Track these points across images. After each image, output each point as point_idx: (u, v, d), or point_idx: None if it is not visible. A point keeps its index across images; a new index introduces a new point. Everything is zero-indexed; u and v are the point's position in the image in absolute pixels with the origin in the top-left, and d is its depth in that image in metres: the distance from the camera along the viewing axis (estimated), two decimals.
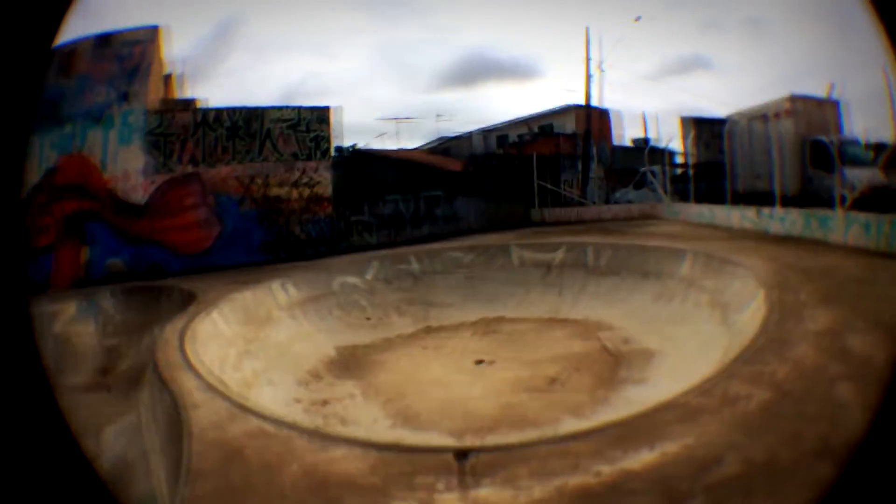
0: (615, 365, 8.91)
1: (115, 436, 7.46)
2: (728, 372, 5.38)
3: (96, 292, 13.26)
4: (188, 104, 18.08)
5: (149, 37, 16.97)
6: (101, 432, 7.65)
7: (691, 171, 23.53)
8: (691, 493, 3.39)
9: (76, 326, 12.16)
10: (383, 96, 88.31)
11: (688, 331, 9.36)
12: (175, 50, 18.61)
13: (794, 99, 20.10)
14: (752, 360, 5.53)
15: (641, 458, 3.79)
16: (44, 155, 16.32)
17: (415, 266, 14.08)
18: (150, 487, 5.56)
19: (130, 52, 16.68)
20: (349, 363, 9.97)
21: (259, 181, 16.84)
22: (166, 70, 18.76)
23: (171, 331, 8.32)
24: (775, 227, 14.22)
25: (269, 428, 4.81)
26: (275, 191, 16.96)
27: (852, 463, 1.72)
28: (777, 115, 19.82)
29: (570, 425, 6.48)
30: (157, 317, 10.76)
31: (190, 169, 16.39)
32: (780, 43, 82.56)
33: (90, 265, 16.03)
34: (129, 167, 16.15)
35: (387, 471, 3.98)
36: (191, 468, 4.24)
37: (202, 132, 16.60)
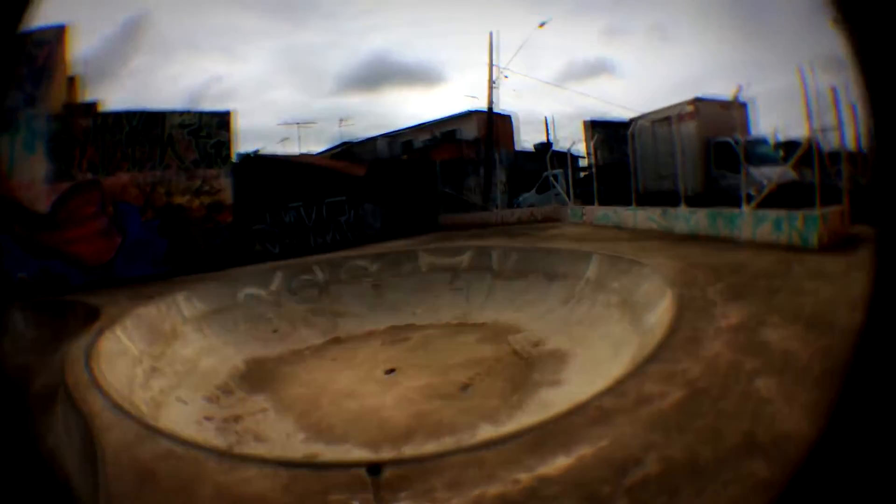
0: (527, 368, 9.05)
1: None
2: (640, 371, 5.49)
3: (8, 309, 12.53)
4: (90, 108, 17.23)
5: (55, 36, 15.99)
6: None
7: (594, 174, 23.95)
8: (613, 497, 3.45)
9: None
10: (287, 100, 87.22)
11: (598, 332, 9.53)
12: (79, 49, 17.73)
13: (697, 101, 20.86)
14: (663, 359, 5.65)
15: (557, 464, 3.85)
16: None
17: (320, 276, 13.99)
18: None
19: (36, 53, 15.70)
20: (259, 377, 9.87)
21: (161, 189, 16.27)
22: (71, 71, 17.98)
23: (76, 349, 8.09)
24: (680, 226, 14.56)
25: (179, 449, 4.76)
26: (177, 199, 16.43)
27: (808, 463, 1.80)
28: (681, 118, 20.24)
29: (486, 431, 6.61)
30: (65, 333, 10.36)
31: (90, 176, 15.65)
32: (686, 47, 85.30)
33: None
34: (33, 175, 15.27)
35: (299, 489, 4.00)
36: (108, 491, 4.19)
37: (102, 137, 15.86)
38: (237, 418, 8.03)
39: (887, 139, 1.46)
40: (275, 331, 12.00)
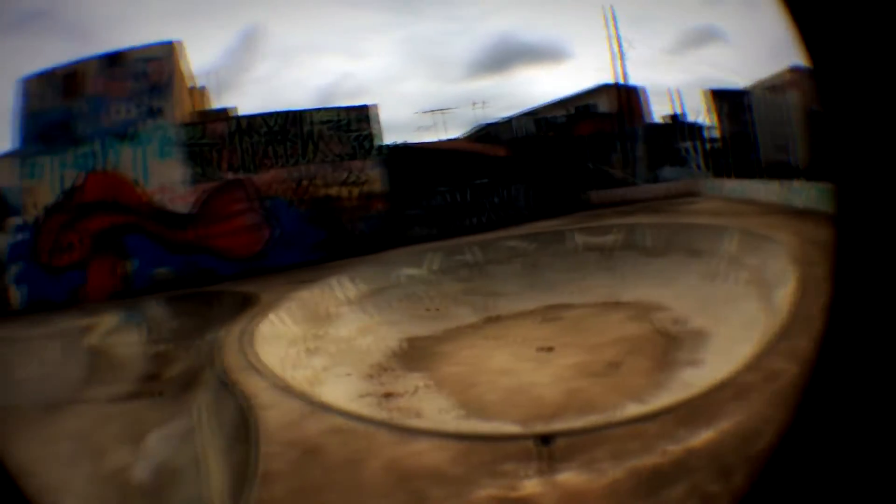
0: (670, 347, 8.78)
1: (160, 442, 7.49)
2: (770, 350, 5.33)
3: (141, 302, 13.41)
4: (222, 114, 18.22)
5: (166, 52, 17.13)
6: (142, 440, 7.72)
7: (720, 146, 22.97)
8: (735, 466, 3.34)
9: (118, 337, 12.31)
10: (417, 91, 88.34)
11: (735, 310, 9.11)
12: (199, 63, 18.81)
13: (794, 70, 19.36)
14: (786, 337, 5.45)
15: (703, 437, 3.81)
16: (60, 175, 16.62)
17: (473, 256, 13.91)
18: (198, 493, 5.57)
19: (147, 69, 16.83)
20: (415, 355, 9.89)
21: (307, 183, 16.92)
22: (192, 83, 18.89)
23: (232, 333, 8.32)
24: (797, 200, 13.66)
25: (350, 424, 4.71)
26: (324, 191, 17.02)
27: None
28: (784, 87, 19.30)
29: (632, 410, 6.38)
30: (210, 321, 10.78)
31: (232, 176, 16.52)
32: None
33: (133, 277, 16.28)
34: (169, 179, 16.37)
35: (469, 460, 3.90)
36: (262, 470, 4.17)
37: (240, 139, 16.71)
38: (393, 395, 8.03)
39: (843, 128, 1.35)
40: (432, 309, 12.09)
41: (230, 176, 16.45)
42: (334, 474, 3.97)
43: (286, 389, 5.74)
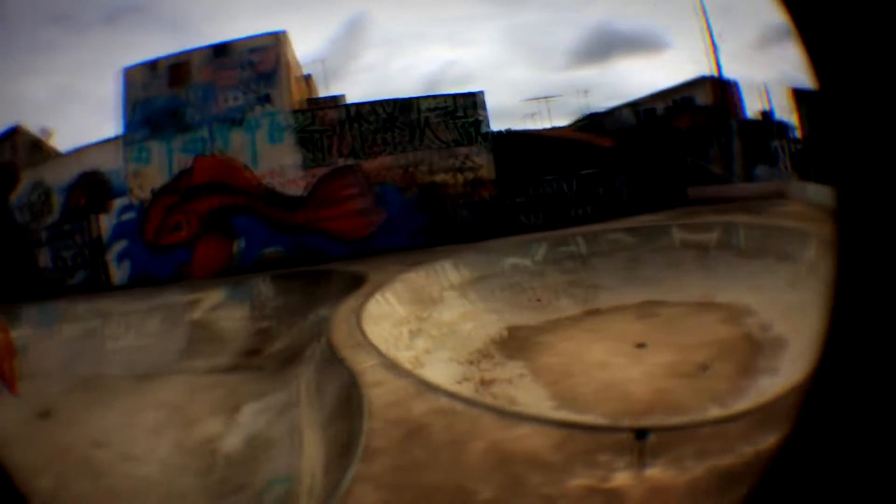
0: (755, 353, 8.61)
1: (255, 413, 7.82)
2: None
3: (248, 279, 13.89)
4: (333, 101, 18.76)
5: (274, 42, 17.72)
6: (237, 411, 8.08)
7: (805, 147, 22.15)
8: None
9: (222, 312, 12.84)
10: (520, 79, 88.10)
11: (808, 318, 8.81)
12: (306, 53, 19.34)
13: None
14: None
15: (770, 441, 3.56)
16: (168, 159, 17.53)
17: (579, 248, 13.80)
18: (290, 464, 5.76)
19: (255, 59, 17.55)
20: (517, 344, 9.92)
21: (420, 169, 17.23)
22: (301, 72, 19.34)
23: (341, 311, 8.53)
24: None
25: (456, 406, 4.77)
26: (432, 177, 17.26)
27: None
28: None
29: (714, 414, 6.25)
30: (317, 299, 11.16)
31: (346, 162, 16.99)
32: None
33: (242, 256, 17.06)
34: (282, 164, 17.03)
35: (568, 448, 3.92)
36: (365, 446, 4.27)
37: (350, 126, 17.12)
38: (491, 382, 8.09)
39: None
40: (534, 300, 12.09)
41: (342, 162, 16.96)
42: (437, 454, 4.04)
43: (394, 368, 5.83)
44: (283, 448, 6.35)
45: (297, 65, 18.72)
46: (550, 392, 7.73)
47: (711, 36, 25.53)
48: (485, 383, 8.01)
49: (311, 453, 5.57)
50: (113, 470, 7.04)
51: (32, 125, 23.92)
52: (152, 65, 18.22)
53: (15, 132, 22.88)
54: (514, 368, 8.75)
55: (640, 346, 9.26)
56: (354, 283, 10.63)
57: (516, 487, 3.63)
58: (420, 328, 9.11)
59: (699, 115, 26.62)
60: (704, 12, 25.30)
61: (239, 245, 17.10)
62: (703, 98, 28.49)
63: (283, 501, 5.27)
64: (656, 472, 3.56)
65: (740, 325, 9.81)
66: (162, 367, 11.56)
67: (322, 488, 4.69)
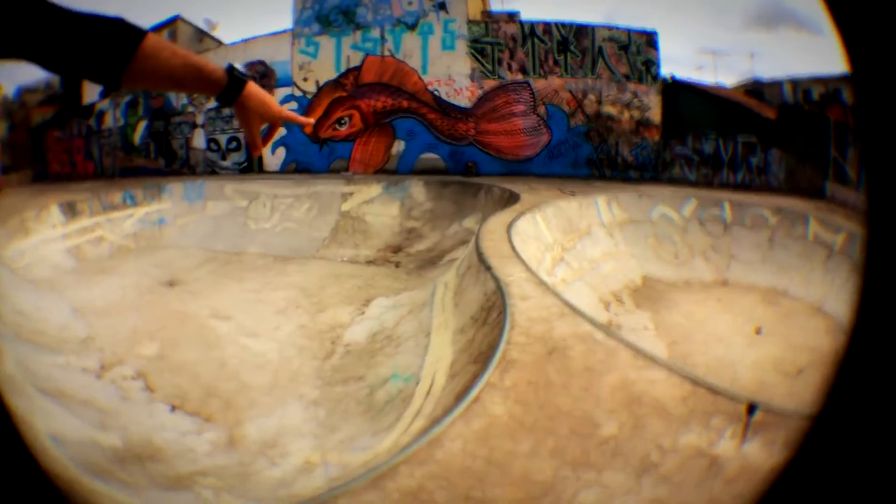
0: None
1: (385, 308, 7.93)
2: None
3: (403, 180, 14.12)
4: (508, 17, 18.31)
5: None
6: (367, 304, 8.24)
7: None
8: None
9: (372, 207, 13.14)
10: (693, 28, 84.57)
11: None
12: None
13: None
14: None
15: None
16: (336, 55, 17.88)
17: (724, 214, 13.39)
18: (411, 363, 5.83)
19: None
20: (647, 294, 9.88)
21: (588, 98, 16.92)
22: None
23: (494, 223, 8.57)
24: None
25: (598, 335, 4.67)
26: (605, 109, 16.91)
27: None
28: None
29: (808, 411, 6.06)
30: (468, 209, 11.39)
31: (520, 77, 16.82)
32: None
33: (400, 158, 17.42)
34: (451, 72, 17.09)
35: (693, 404, 3.82)
36: (504, 356, 4.25)
37: (528, 43, 16.94)
38: (619, 328, 8.04)
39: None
40: (674, 255, 11.85)
41: (519, 77, 16.83)
42: (571, 379, 4.02)
43: (541, 286, 5.79)
44: (406, 347, 6.44)
45: None
46: (669, 353, 7.66)
47: None
48: (613, 327, 7.90)
49: (437, 356, 5.65)
50: (228, 342, 7.34)
51: (196, 17, 24.83)
52: None
53: (176, 22, 23.79)
54: (640, 319, 8.68)
55: (759, 331, 8.98)
56: (508, 200, 10.68)
57: (637, 430, 3.58)
58: (563, 257, 9.07)
59: (846, 113, 25.09)
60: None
61: (398, 147, 17.49)
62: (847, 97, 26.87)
63: (395, 398, 5.32)
64: (751, 448, 3.51)
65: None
66: (302, 251, 11.99)
67: (442, 391, 4.75)
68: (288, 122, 2.08)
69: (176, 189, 16.17)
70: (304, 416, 5.53)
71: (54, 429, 4.56)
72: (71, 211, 14.02)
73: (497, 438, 3.44)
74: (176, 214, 15.29)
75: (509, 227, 8.28)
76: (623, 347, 4.48)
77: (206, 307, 8.85)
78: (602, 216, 11.36)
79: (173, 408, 5.83)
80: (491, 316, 5.26)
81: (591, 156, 16.69)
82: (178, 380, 6.33)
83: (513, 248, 7.27)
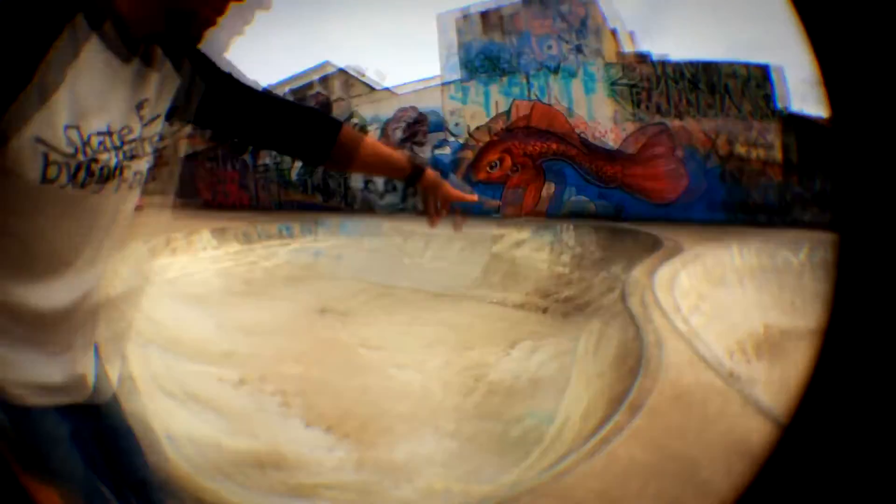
0: None
1: (529, 351, 7.99)
2: None
3: (553, 224, 14.19)
4: (644, 57, 18.46)
5: None
6: (513, 346, 8.28)
7: None
8: None
9: (523, 251, 13.27)
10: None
11: None
12: (615, 7, 19.02)
13: None
14: None
15: None
16: (486, 101, 18.51)
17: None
18: (548, 405, 5.90)
19: (567, 10, 17.75)
20: (767, 345, 9.17)
21: (722, 137, 16.40)
22: (610, 25, 19.26)
23: (640, 271, 8.63)
24: None
25: (718, 383, 4.73)
26: (736, 149, 16.34)
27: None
28: None
29: None
30: (615, 255, 11.27)
31: (657, 119, 16.67)
32: None
33: (551, 200, 17.60)
34: (595, 115, 17.12)
35: None
36: (633, 401, 4.36)
37: (661, 84, 16.73)
38: (738, 377, 7.70)
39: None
40: (791, 302, 11.05)
41: (657, 119, 16.67)
42: (688, 424, 4.10)
43: (677, 333, 5.86)
44: (546, 389, 6.51)
45: (604, 17, 18.61)
46: (780, 406, 7.18)
47: None
48: (732, 376, 7.68)
49: (573, 399, 5.73)
50: (373, 371, 7.58)
51: (347, 64, 26.17)
52: (464, 11, 19.44)
53: (326, 67, 25.19)
54: (756, 370, 8.24)
55: None
56: (652, 246, 10.61)
57: (729, 476, 3.44)
58: (697, 305, 8.91)
59: None
60: None
61: (548, 190, 17.68)
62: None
63: (527, 436, 5.39)
64: None
65: None
66: (452, 289, 12.22)
67: (573, 432, 4.84)
68: (453, 188, 2.47)
69: (333, 224, 16.90)
70: (437, 446, 5.63)
71: (174, 429, 4.86)
72: (225, 236, 14.87)
73: (612, 477, 3.54)
74: (332, 247, 15.91)
75: (652, 275, 8.29)
76: (738, 397, 4.49)
77: (355, 336, 9.15)
78: (735, 262, 10.91)
79: (308, 424, 6.06)
80: (628, 362, 5.34)
81: (726, 199, 16.12)
82: (318, 400, 6.58)
83: (654, 296, 7.29)
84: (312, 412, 6.31)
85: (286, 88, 25.69)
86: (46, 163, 1.21)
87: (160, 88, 1.52)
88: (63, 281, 1.40)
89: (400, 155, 2.34)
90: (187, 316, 9.44)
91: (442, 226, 2.46)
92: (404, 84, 21.36)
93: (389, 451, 5.52)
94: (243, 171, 27.20)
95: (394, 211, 20.81)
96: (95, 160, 1.31)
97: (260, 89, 1.89)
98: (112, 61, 1.30)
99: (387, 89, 22.71)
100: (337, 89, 24.70)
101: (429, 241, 14.55)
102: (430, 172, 2.37)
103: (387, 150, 2.31)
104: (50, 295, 1.38)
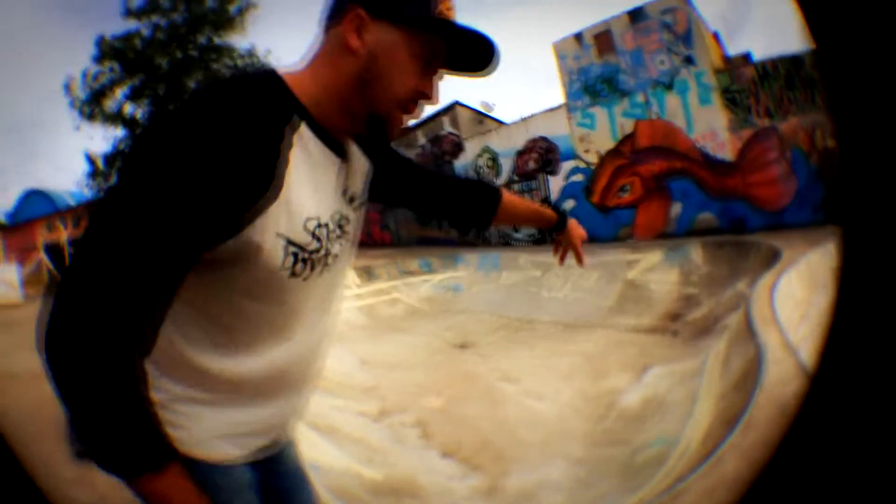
0: None
1: (659, 377, 7.99)
2: None
3: (682, 244, 14.20)
4: (743, 59, 18.09)
5: (679, 1, 17.48)
6: (643, 371, 8.30)
7: None
8: None
9: (655, 275, 13.27)
10: None
11: None
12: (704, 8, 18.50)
13: None
14: None
15: None
16: (610, 124, 18.72)
17: None
18: (675, 429, 5.92)
19: (671, 20, 17.55)
20: None
21: (818, 133, 15.79)
22: (710, 28, 18.85)
23: (761, 286, 8.52)
24: None
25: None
26: (825, 143, 15.62)
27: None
28: None
29: None
30: (739, 271, 11.11)
31: (766, 122, 16.26)
32: None
33: (677, 220, 17.60)
34: (712, 126, 16.94)
35: None
36: (750, 420, 4.42)
37: (765, 85, 16.27)
38: None
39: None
40: None
41: (760, 123, 16.30)
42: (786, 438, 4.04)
43: (788, 348, 5.85)
44: (674, 413, 6.54)
45: (704, 21, 18.40)
46: None
47: None
48: None
49: (698, 422, 5.74)
50: (512, 403, 7.75)
51: (472, 100, 26.64)
52: (577, 37, 19.66)
53: (455, 107, 25.67)
54: None
55: None
56: (772, 258, 10.42)
57: None
58: (807, 313, 8.63)
59: None
60: None
61: (675, 209, 17.62)
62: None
63: (652, 461, 5.47)
64: None
65: None
66: (588, 319, 12.28)
67: (693, 455, 4.90)
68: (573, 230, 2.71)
69: (471, 259, 17.26)
70: (566, 472, 5.77)
71: (315, 458, 5.15)
72: (367, 274, 15.41)
73: (721, 492, 3.67)
74: (470, 282, 16.21)
75: (770, 289, 8.18)
76: None
77: (495, 370, 9.39)
78: (834, 264, 10.28)
79: (445, 455, 6.30)
80: (748, 382, 5.34)
81: (825, 197, 15.32)
82: (457, 431, 6.82)
83: (773, 311, 7.21)
84: (451, 443, 6.57)
85: (418, 132, 26.59)
86: (286, 255, 1.34)
87: (358, 175, 1.68)
88: (282, 348, 1.53)
89: (546, 207, 2.62)
90: (331, 352, 9.98)
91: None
92: (533, 116, 21.61)
93: (520, 479, 5.72)
94: (383, 212, 28.29)
95: (530, 243, 21.07)
96: (328, 250, 1.48)
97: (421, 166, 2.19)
98: (323, 157, 1.46)
99: (516, 122, 23.05)
100: (466, 126, 25.33)
101: (567, 273, 14.66)
102: (573, 222, 2.67)
103: (534, 204, 2.66)
104: (271, 361, 1.52)
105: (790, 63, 16.02)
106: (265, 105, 1.28)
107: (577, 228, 2.69)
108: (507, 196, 2.40)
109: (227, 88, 1.26)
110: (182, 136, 1.16)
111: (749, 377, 5.42)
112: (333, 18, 1.42)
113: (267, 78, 1.36)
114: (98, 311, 1.15)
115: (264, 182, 1.26)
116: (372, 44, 1.39)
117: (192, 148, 1.16)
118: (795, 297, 8.74)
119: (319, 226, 1.44)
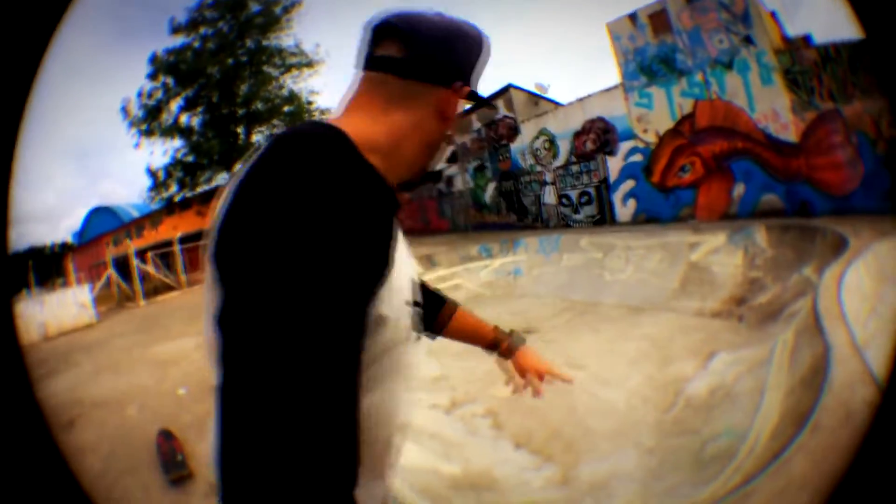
0: None
1: (726, 364, 7.97)
2: None
3: (746, 226, 13.95)
4: (803, 40, 17.52)
5: None
6: (710, 358, 8.31)
7: None
8: None
9: (718, 257, 13.13)
10: None
11: None
12: None
13: None
14: None
15: None
16: (669, 104, 18.46)
17: None
18: (743, 421, 5.97)
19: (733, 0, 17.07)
20: None
21: (882, 118, 15.03)
22: (768, 7, 18.45)
23: (828, 276, 8.38)
24: None
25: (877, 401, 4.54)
26: (890, 131, 15.10)
27: None
28: None
29: None
30: (805, 257, 10.99)
31: (830, 105, 15.83)
32: None
33: (740, 201, 17.27)
34: (775, 106, 16.58)
35: None
36: (817, 421, 4.47)
37: (828, 67, 15.81)
38: None
39: None
40: None
41: (824, 106, 15.89)
42: (851, 441, 3.91)
43: (854, 347, 5.75)
44: (741, 404, 6.52)
45: (760, 1, 17.83)
46: None
47: None
48: None
49: (766, 416, 5.75)
50: (580, 390, 7.74)
51: (527, 82, 26.51)
52: (632, 17, 19.42)
53: (509, 90, 25.62)
54: None
55: None
56: (839, 246, 10.23)
57: None
58: (875, 307, 8.49)
59: None
60: None
61: (739, 190, 17.35)
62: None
63: (722, 454, 5.51)
64: None
65: None
66: (653, 302, 12.39)
67: (762, 451, 4.98)
68: None
69: (531, 242, 17.36)
70: (638, 463, 5.88)
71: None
72: (428, 261, 15.58)
73: (789, 494, 3.83)
74: (531, 265, 16.31)
75: (839, 280, 8.06)
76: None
77: (561, 355, 9.52)
78: None
79: (517, 446, 6.46)
80: (816, 379, 5.35)
81: (892, 188, 14.63)
82: (527, 421, 6.96)
83: (840, 306, 7.12)
84: (522, 434, 6.73)
85: (472, 117, 26.60)
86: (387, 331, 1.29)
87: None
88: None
89: (486, 325, 2.53)
90: None
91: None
92: (589, 96, 21.50)
93: (592, 469, 5.87)
94: (439, 199, 28.53)
95: (591, 224, 21.09)
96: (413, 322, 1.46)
97: None
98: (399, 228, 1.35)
99: (573, 103, 22.94)
100: (521, 108, 25.29)
101: (629, 254, 14.76)
102: (528, 351, 2.57)
103: (476, 320, 2.52)
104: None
105: (851, 49, 15.48)
106: (374, 179, 1.18)
107: (532, 358, 2.59)
108: (461, 313, 2.42)
109: (321, 160, 1.11)
110: (316, 220, 1.04)
111: (817, 374, 5.44)
112: (431, 81, 1.37)
113: (339, 141, 1.19)
114: (309, 422, 1.00)
115: (389, 256, 1.17)
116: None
117: (332, 232, 1.04)
118: (863, 290, 8.61)
119: (409, 302, 1.45)
